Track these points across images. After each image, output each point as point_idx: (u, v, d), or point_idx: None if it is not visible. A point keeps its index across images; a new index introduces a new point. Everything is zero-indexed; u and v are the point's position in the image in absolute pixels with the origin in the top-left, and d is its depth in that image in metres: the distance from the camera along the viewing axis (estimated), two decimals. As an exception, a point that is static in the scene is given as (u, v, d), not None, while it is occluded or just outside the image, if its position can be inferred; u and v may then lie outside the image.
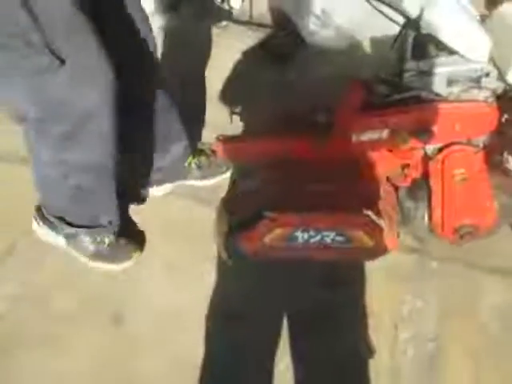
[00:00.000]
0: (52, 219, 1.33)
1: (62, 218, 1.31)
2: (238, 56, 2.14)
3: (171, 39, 2.25)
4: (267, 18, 2.31)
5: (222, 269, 1.41)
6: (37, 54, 0.91)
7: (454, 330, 1.30)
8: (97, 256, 1.37)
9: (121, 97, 1.07)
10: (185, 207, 1.58)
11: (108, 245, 1.37)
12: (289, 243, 1.19)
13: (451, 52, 1.00)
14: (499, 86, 1.06)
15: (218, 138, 1.28)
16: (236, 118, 1.47)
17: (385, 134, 1.11)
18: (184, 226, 1.53)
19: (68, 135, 1.08)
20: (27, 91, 0.98)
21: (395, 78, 1.07)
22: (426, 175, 1.24)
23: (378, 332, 1.30)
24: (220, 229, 1.25)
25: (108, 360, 1.26)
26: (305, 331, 1.31)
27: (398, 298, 1.36)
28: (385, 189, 1.24)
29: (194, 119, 1.85)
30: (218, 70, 2.08)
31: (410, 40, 1.01)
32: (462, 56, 1.00)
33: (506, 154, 1.08)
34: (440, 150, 1.17)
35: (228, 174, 1.62)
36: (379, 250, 1.21)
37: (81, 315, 1.33)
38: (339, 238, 1.18)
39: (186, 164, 1.57)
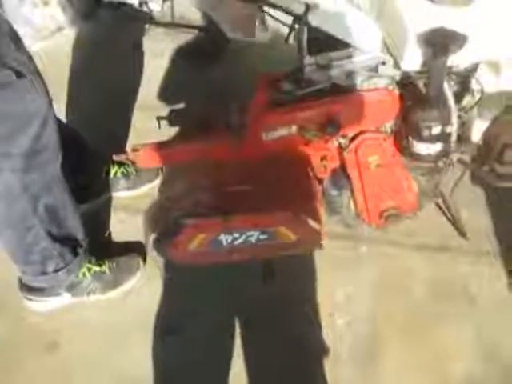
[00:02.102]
0: (45, 282, 1.28)
1: (51, 272, 1.26)
2: (161, 59, 2.11)
3: (91, 47, 2.19)
4: (189, 20, 2.30)
5: (158, 281, 1.39)
6: None
7: (388, 310, 1.35)
8: (106, 287, 1.35)
9: None
10: (115, 219, 1.55)
11: (110, 270, 1.35)
12: (214, 247, 1.19)
13: (346, 44, 1.02)
14: (397, 73, 1.08)
15: (133, 149, 1.26)
16: (164, 123, 1.45)
17: (294, 129, 1.12)
18: (117, 238, 1.51)
19: (32, 149, 1.05)
20: None
21: (298, 74, 1.08)
22: (344, 164, 1.27)
23: (317, 321, 1.33)
24: (146, 239, 1.24)
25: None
26: (249, 331, 1.31)
27: (333, 285, 1.39)
28: (307, 182, 1.26)
29: (120, 127, 1.83)
30: (142, 76, 2.05)
31: (304, 36, 1.02)
32: (356, 48, 1.02)
33: (410, 139, 1.11)
34: (352, 139, 1.19)
35: (157, 182, 1.60)
36: (304, 243, 1.23)
37: (16, 345, 1.29)
38: (263, 236, 1.19)
39: (111, 175, 1.55)
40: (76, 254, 1.28)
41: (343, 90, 1.09)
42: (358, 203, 1.34)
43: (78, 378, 1.25)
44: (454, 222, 1.48)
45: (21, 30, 2.20)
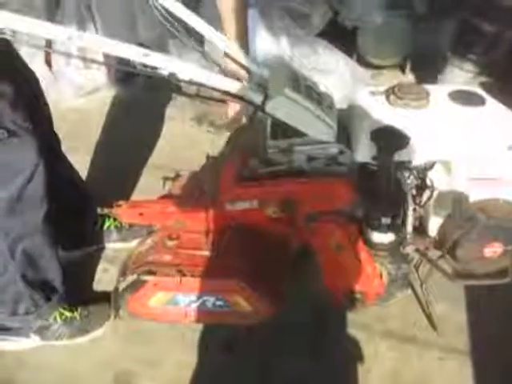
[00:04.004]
0: (16, 322, 1.34)
1: (22, 314, 1.32)
2: (178, 125, 2.29)
3: (121, 108, 2.42)
4: (211, 92, 2.49)
5: (119, 333, 1.45)
6: None
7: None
8: (74, 334, 1.40)
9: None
10: (100, 268, 1.64)
11: (80, 317, 1.41)
12: (171, 307, 1.25)
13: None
14: (354, 163, 1.15)
15: (117, 204, 1.37)
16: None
17: (255, 204, 1.20)
18: (98, 287, 1.59)
19: (15, 198, 1.17)
20: None
21: (263, 154, 1.17)
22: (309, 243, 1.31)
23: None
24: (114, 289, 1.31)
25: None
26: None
27: (292, 365, 1.38)
28: (270, 255, 1.31)
29: (128, 183, 1.97)
30: (161, 138, 2.22)
31: (268, 122, 1.12)
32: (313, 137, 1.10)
33: (364, 226, 1.16)
34: (314, 219, 1.24)
35: (149, 237, 1.69)
36: (259, 315, 1.26)
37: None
38: (219, 303, 1.24)
39: (105, 227, 1.66)
40: (48, 300, 1.35)
41: (303, 173, 1.16)
42: (325, 282, 1.36)
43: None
44: (427, 314, 1.46)
45: (64, 87, 2.49)
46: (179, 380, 1.35)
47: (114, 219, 1.68)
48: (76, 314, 1.41)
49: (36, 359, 1.40)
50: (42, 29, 0.81)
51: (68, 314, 1.40)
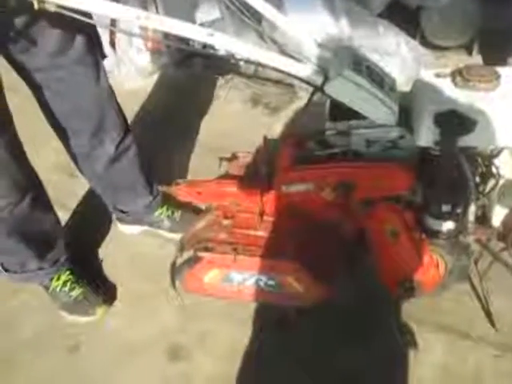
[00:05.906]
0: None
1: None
2: (235, 106, 2.31)
3: (180, 89, 2.47)
4: (269, 73, 2.49)
5: (174, 306, 1.49)
6: None
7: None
8: (63, 307, 1.50)
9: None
10: (155, 244, 1.70)
11: (75, 298, 1.48)
12: (225, 283, 1.28)
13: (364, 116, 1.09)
14: (416, 148, 1.11)
15: (176, 183, 1.41)
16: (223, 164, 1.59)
17: (311, 186, 1.19)
18: (151, 262, 1.65)
19: None
20: None
21: (320, 136, 1.16)
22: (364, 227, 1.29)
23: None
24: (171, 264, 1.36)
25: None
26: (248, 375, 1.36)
27: (337, 344, 1.39)
28: (323, 238, 1.30)
29: (182, 163, 2.01)
30: (214, 118, 2.25)
31: (327, 104, 1.10)
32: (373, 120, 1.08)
33: (423, 213, 1.12)
34: (370, 204, 1.22)
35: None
36: (311, 297, 1.26)
37: (39, 342, 1.47)
38: (271, 282, 1.25)
39: (157, 214, 1.69)
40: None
41: (361, 157, 1.15)
42: (377, 269, 1.34)
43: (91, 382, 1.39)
44: (484, 309, 1.41)
45: (126, 69, 2.56)
46: (230, 356, 1.39)
47: (167, 208, 1.70)
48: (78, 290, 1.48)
49: (96, 327, 1.49)
50: (112, 9, 0.84)
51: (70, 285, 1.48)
